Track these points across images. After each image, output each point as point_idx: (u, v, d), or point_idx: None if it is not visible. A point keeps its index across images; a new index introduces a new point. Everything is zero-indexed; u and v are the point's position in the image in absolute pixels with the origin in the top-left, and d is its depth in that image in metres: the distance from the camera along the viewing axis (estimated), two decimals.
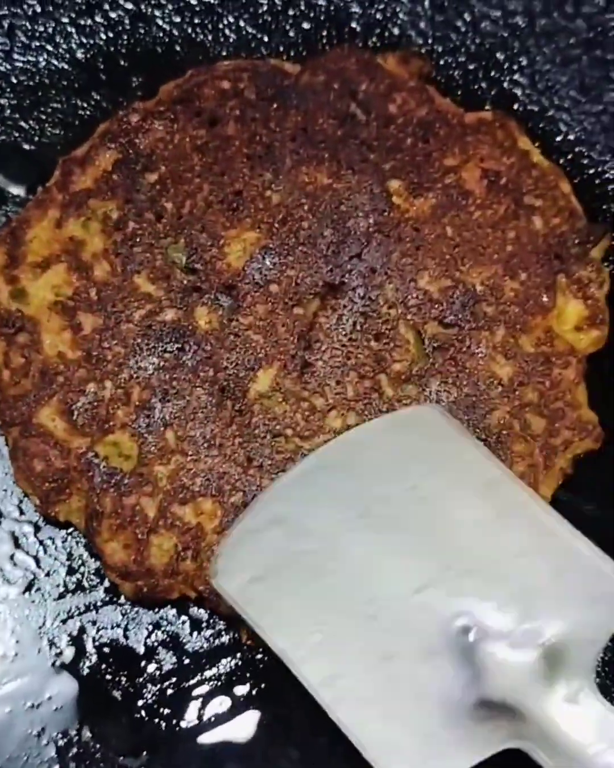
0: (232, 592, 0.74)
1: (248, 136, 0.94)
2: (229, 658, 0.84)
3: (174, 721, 0.82)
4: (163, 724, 0.82)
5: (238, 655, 0.84)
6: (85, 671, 0.83)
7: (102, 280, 0.89)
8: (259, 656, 0.83)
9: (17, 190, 0.98)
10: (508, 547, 0.73)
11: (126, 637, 0.84)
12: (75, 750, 0.81)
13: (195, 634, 0.84)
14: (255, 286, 0.89)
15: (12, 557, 0.86)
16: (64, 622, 0.84)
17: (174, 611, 0.85)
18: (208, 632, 0.84)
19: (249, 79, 0.97)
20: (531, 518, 0.73)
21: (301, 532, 0.75)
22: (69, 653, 0.83)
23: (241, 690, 0.83)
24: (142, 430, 0.84)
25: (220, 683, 0.83)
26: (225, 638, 0.84)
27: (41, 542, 0.87)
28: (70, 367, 0.86)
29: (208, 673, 0.83)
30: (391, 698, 0.71)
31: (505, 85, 1.03)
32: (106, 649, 0.84)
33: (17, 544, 0.87)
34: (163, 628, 0.84)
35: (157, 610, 0.84)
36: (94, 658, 0.83)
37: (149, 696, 0.82)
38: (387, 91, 0.95)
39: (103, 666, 0.83)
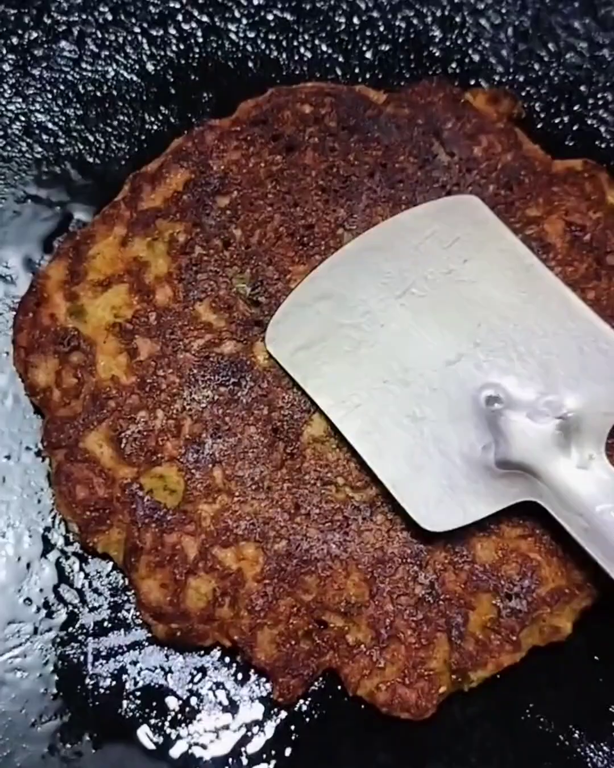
0: (281, 358, 0.83)
1: (325, 166, 0.91)
2: (274, 710, 0.81)
3: None
4: None
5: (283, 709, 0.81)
6: (127, 714, 0.80)
7: (163, 305, 0.87)
8: (304, 708, 0.81)
9: (80, 208, 0.95)
10: (536, 327, 0.81)
11: (167, 680, 0.81)
12: None
13: (239, 682, 0.81)
14: None
15: (56, 589, 0.84)
16: (106, 660, 0.82)
17: (218, 656, 0.82)
18: (253, 680, 0.81)
19: (331, 105, 0.94)
20: (561, 302, 0.81)
21: (344, 306, 0.83)
22: (109, 694, 0.81)
23: (286, 749, 0.80)
24: (190, 465, 0.82)
25: (264, 737, 0.80)
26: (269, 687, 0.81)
27: (87, 575, 0.84)
28: (123, 393, 0.84)
29: (250, 725, 0.80)
30: (420, 453, 0.79)
31: (589, 120, 1.00)
32: (147, 692, 0.81)
33: (62, 576, 0.84)
34: (207, 675, 0.81)
35: (202, 654, 0.82)
36: (135, 701, 0.81)
37: (189, 744, 0.80)
38: (473, 131, 0.92)
39: (145, 710, 0.80)
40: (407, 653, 0.77)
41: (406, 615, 0.78)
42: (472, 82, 1.00)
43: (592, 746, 0.79)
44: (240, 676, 0.81)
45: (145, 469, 0.82)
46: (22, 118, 0.98)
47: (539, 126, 0.99)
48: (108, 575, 0.84)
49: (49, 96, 0.99)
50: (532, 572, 0.79)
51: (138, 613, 0.81)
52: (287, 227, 0.89)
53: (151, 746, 0.79)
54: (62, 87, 0.99)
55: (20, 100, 0.99)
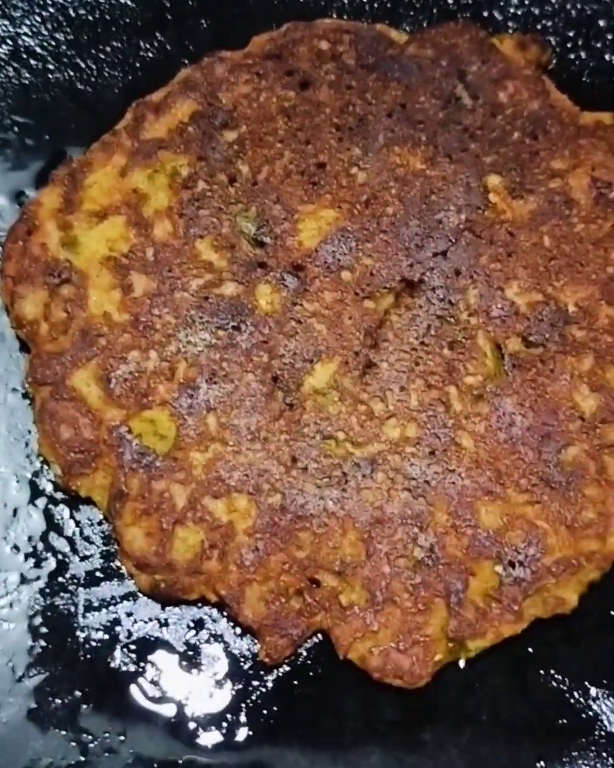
0: None
1: (341, 104, 0.86)
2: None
3: (211, 728, 0.75)
4: (200, 730, 0.75)
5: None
6: (120, 667, 0.76)
7: (161, 240, 0.82)
8: (308, 662, 0.77)
9: (70, 138, 0.89)
10: None
11: (162, 632, 0.77)
12: (106, 754, 0.74)
13: (238, 635, 0.77)
14: (326, 271, 0.81)
15: (45, 536, 0.79)
16: (98, 611, 0.77)
17: (216, 608, 0.78)
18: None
19: (350, 43, 0.88)
20: None
21: None
22: (101, 647, 0.76)
23: (287, 705, 0.76)
24: (183, 410, 0.77)
25: (264, 691, 0.77)
26: None
27: (77, 523, 0.80)
28: (115, 331, 0.79)
29: (249, 679, 0.77)
30: None
31: (607, 56, 0.94)
32: (142, 645, 0.77)
33: (51, 524, 0.79)
34: (205, 627, 0.77)
35: (200, 605, 0.77)
36: (129, 654, 0.77)
37: (185, 698, 0.76)
38: (499, 76, 0.87)
39: (140, 663, 0.76)
40: (402, 617, 0.73)
41: (403, 578, 0.74)
42: (485, 14, 0.94)
43: (608, 704, 0.76)
44: (238, 629, 0.77)
45: (135, 411, 0.78)
46: (9, 42, 0.92)
47: (554, 61, 0.93)
48: (99, 524, 0.80)
49: (38, 19, 0.92)
50: (538, 540, 0.75)
51: None
52: (297, 165, 0.84)
53: (145, 701, 0.76)
54: (52, 10, 0.93)
55: (7, 22, 0.92)
